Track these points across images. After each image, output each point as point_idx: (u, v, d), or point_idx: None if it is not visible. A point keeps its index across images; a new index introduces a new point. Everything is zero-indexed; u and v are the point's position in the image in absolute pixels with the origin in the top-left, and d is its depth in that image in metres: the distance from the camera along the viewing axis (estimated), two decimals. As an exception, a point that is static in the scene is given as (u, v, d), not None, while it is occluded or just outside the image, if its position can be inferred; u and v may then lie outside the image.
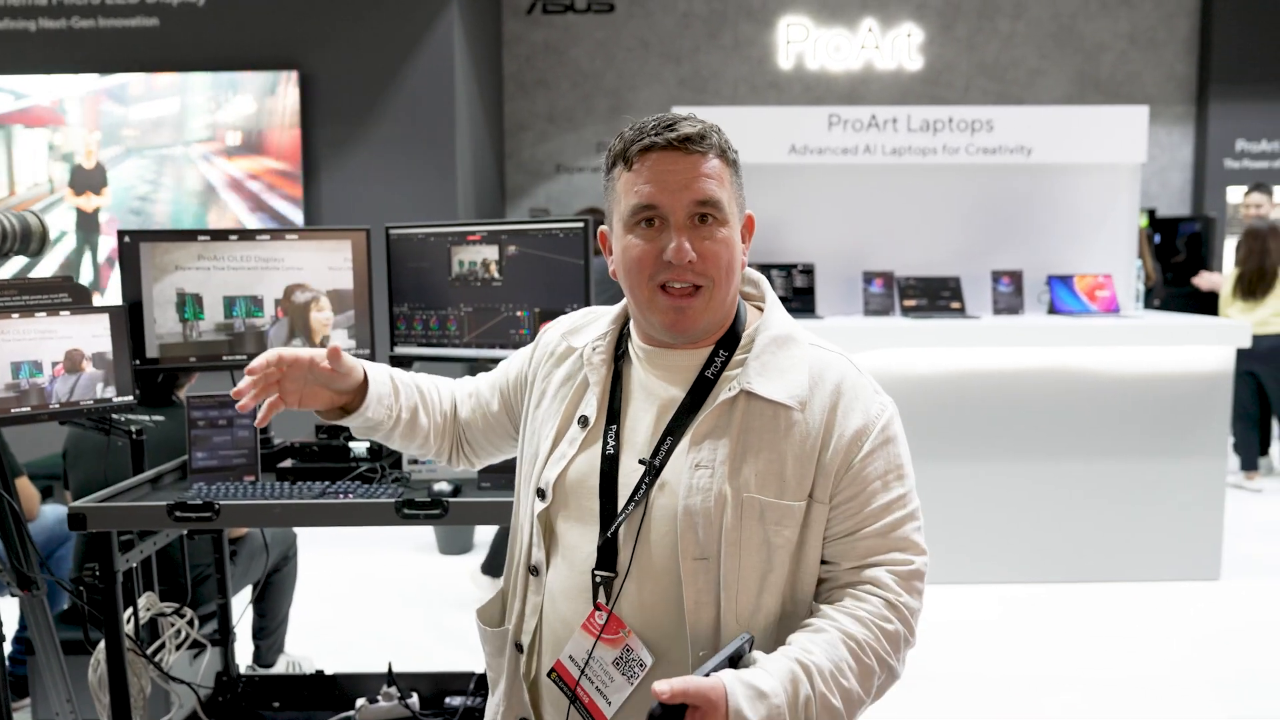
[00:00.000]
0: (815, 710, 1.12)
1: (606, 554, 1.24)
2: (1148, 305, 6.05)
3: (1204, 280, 6.30)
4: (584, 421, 1.31)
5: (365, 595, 4.22)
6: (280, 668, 3.35)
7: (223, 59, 6.20)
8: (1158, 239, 7.73)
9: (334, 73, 6.21)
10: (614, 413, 1.30)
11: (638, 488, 1.24)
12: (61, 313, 2.11)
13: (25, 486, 3.15)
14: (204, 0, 6.22)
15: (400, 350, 2.61)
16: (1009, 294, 4.77)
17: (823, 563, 1.26)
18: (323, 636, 3.70)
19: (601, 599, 1.24)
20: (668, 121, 1.23)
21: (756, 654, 1.16)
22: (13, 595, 2.57)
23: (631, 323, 1.35)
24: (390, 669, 2.65)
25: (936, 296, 4.74)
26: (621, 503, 1.24)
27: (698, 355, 1.28)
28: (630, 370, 1.33)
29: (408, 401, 1.45)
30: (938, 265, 4.83)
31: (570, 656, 1.26)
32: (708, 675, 1.08)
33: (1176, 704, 3.16)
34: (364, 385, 1.39)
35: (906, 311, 4.69)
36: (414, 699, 2.63)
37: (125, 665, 2.11)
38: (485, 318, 2.46)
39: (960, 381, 4.30)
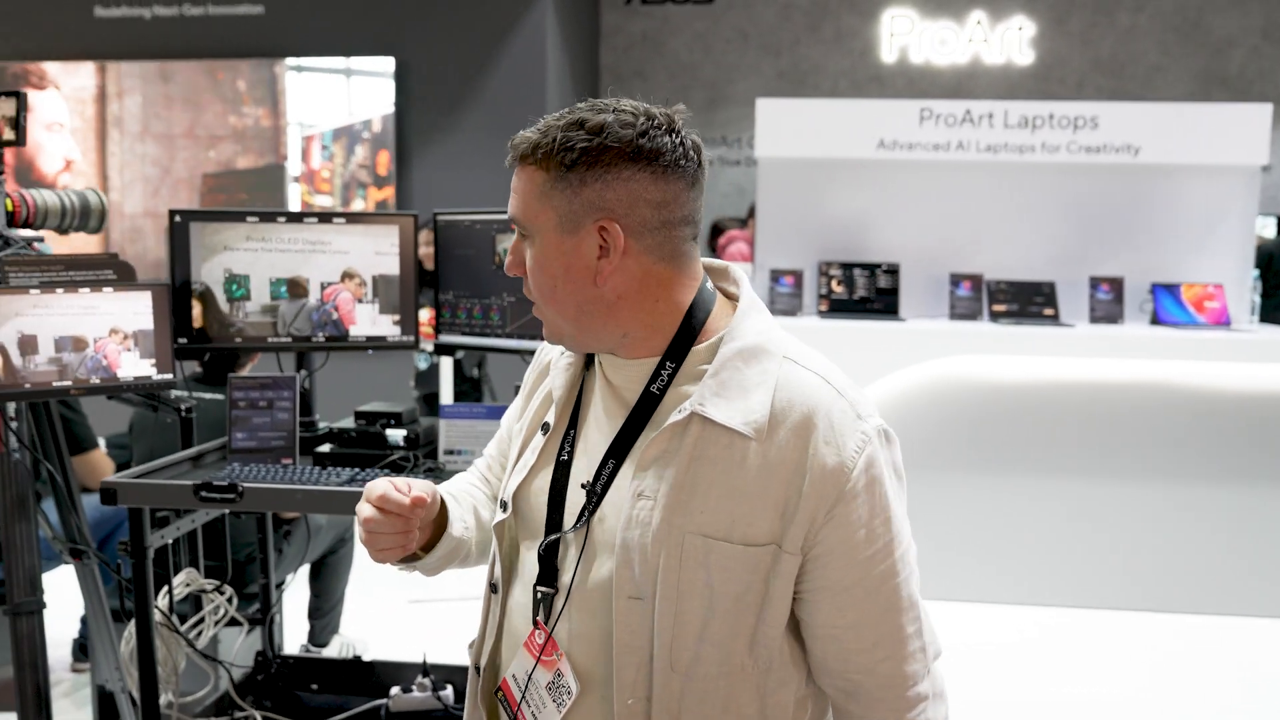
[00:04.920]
0: None
1: (546, 567, 1.15)
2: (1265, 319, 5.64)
3: None
4: (545, 428, 1.22)
5: (418, 582, 4.23)
6: (334, 649, 3.38)
7: (326, 45, 6.33)
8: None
9: (429, 60, 6.28)
10: (575, 419, 1.20)
11: (581, 511, 1.14)
12: (105, 289, 2.14)
13: (100, 458, 3.24)
14: (306, -12, 6.37)
15: (445, 338, 2.58)
16: (1108, 302, 4.50)
17: (804, 632, 1.12)
18: (374, 620, 3.72)
19: (541, 616, 1.15)
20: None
21: None
22: (65, 563, 2.65)
23: None
24: (425, 660, 2.63)
25: (1029, 302, 4.51)
26: (568, 518, 1.15)
27: (643, 367, 1.14)
28: (593, 376, 1.22)
29: (470, 507, 1.33)
30: (1031, 269, 4.60)
31: (513, 675, 1.19)
32: None
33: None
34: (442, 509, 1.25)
35: (995, 317, 4.47)
36: (447, 691, 2.61)
37: (153, 639, 2.12)
38: (527, 308, 2.39)
39: (1050, 393, 4.07)
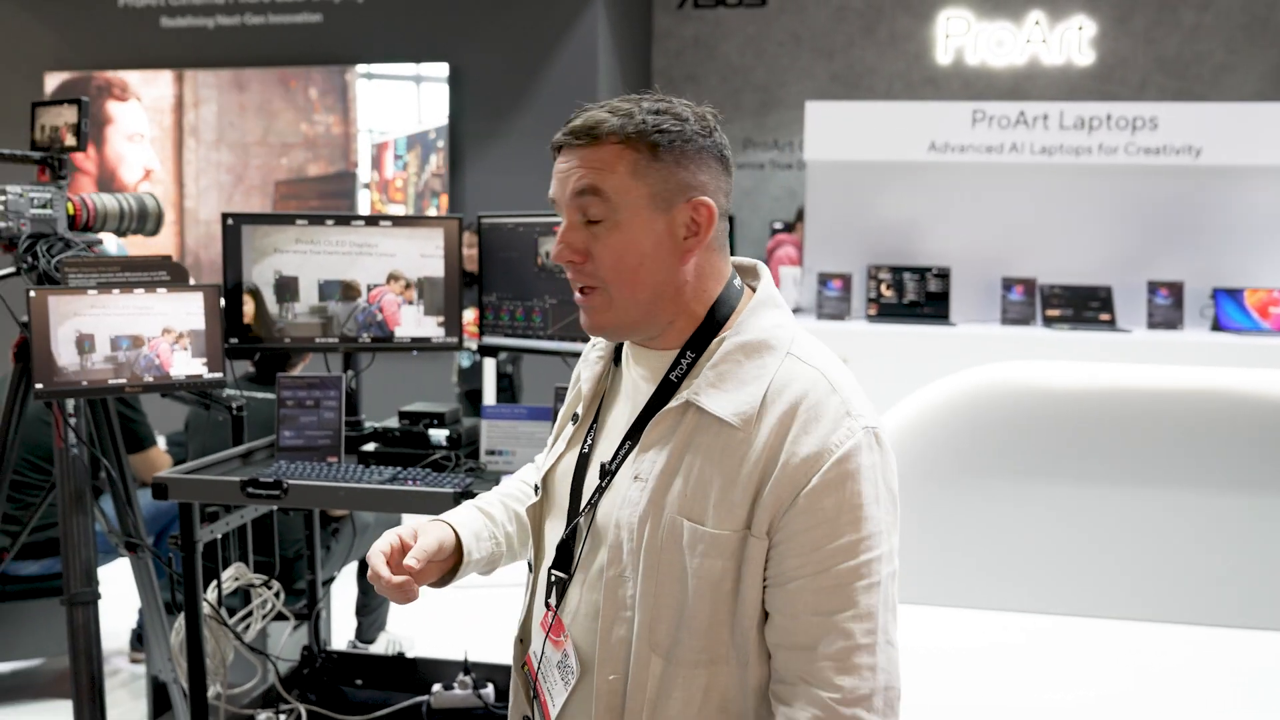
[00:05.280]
0: None
1: (563, 553, 1.20)
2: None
3: None
4: (575, 418, 1.29)
5: (467, 580, 4.27)
6: (380, 645, 3.44)
7: (381, 52, 6.44)
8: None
9: (481, 66, 6.36)
10: (600, 411, 1.25)
11: (593, 493, 1.18)
12: (159, 290, 2.20)
13: (157, 455, 3.33)
14: (363, -4, 6.49)
15: (488, 339, 2.60)
16: (1167, 307, 4.39)
17: (769, 633, 1.08)
18: (423, 617, 3.77)
19: (553, 598, 1.20)
20: (575, 115, 1.14)
21: None
22: (122, 556, 2.73)
23: None
24: (466, 658, 2.66)
25: (1084, 307, 4.42)
26: (584, 502, 1.20)
27: (667, 357, 1.17)
28: (619, 370, 1.26)
29: (508, 519, 1.38)
30: (1087, 273, 4.50)
31: (534, 652, 1.25)
32: None
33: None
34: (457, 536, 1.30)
35: (1049, 322, 4.39)
36: (489, 689, 2.63)
37: (201, 631, 2.18)
38: (568, 310, 2.42)
39: (1105, 401, 3.98)
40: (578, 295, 1.15)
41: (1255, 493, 3.90)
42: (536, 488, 1.29)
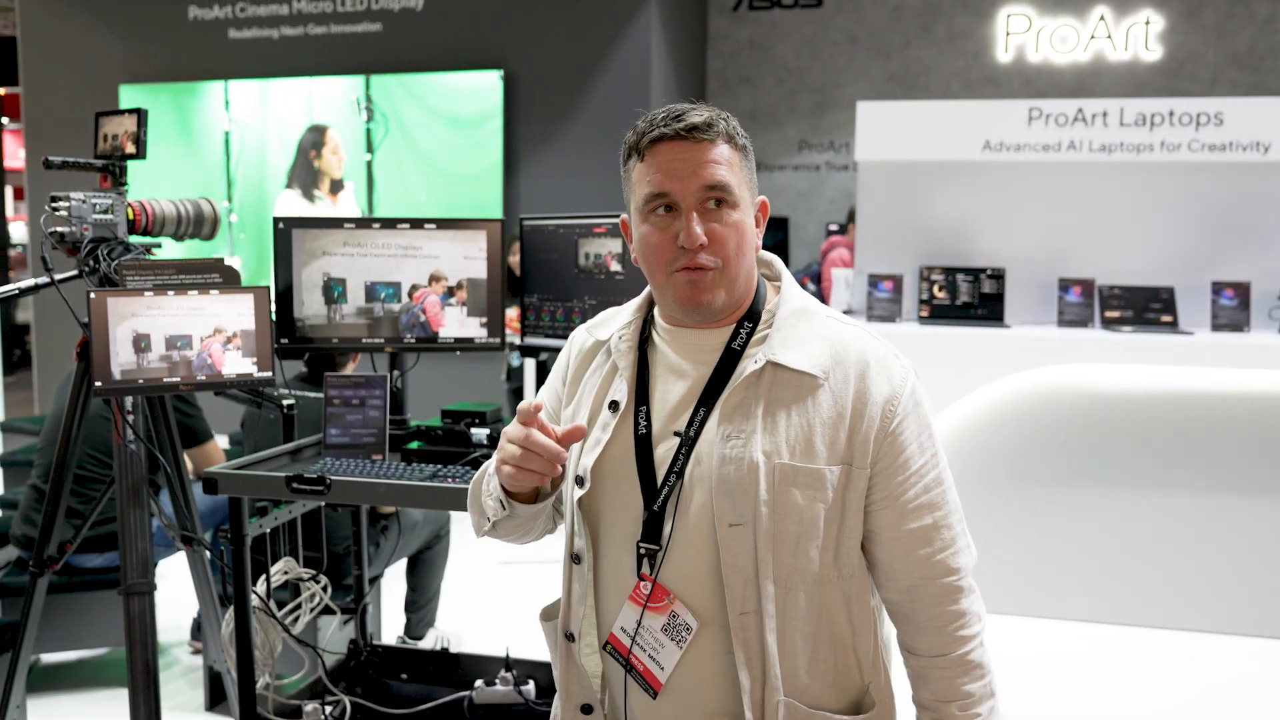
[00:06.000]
0: None
1: (651, 527, 1.28)
2: None
3: None
4: (614, 406, 1.34)
5: (511, 576, 4.32)
6: (429, 641, 3.49)
7: (438, 60, 6.55)
8: None
9: (536, 71, 6.42)
10: (643, 394, 1.33)
11: (674, 460, 1.28)
12: (211, 292, 2.28)
13: (213, 449, 3.43)
14: (422, 4, 6.60)
15: (530, 340, 2.64)
16: (1233, 308, 4.26)
17: (871, 544, 1.30)
18: (466, 616, 3.82)
19: (646, 570, 1.29)
20: (677, 112, 1.27)
21: None
22: (178, 549, 2.82)
23: (655, 308, 1.39)
24: (508, 654, 2.69)
25: (1145, 308, 4.31)
26: (660, 477, 1.29)
27: (721, 333, 1.32)
28: (655, 353, 1.36)
29: None
30: (1147, 274, 4.39)
31: (621, 628, 1.32)
32: None
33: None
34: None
35: (1108, 324, 4.29)
36: (529, 686, 2.66)
37: (250, 623, 2.24)
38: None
39: (1167, 405, 3.87)
40: (689, 273, 1.26)
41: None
42: (581, 479, 1.33)
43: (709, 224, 1.25)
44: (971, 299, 4.46)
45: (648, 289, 1.39)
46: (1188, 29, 7.23)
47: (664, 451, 1.29)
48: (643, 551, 1.29)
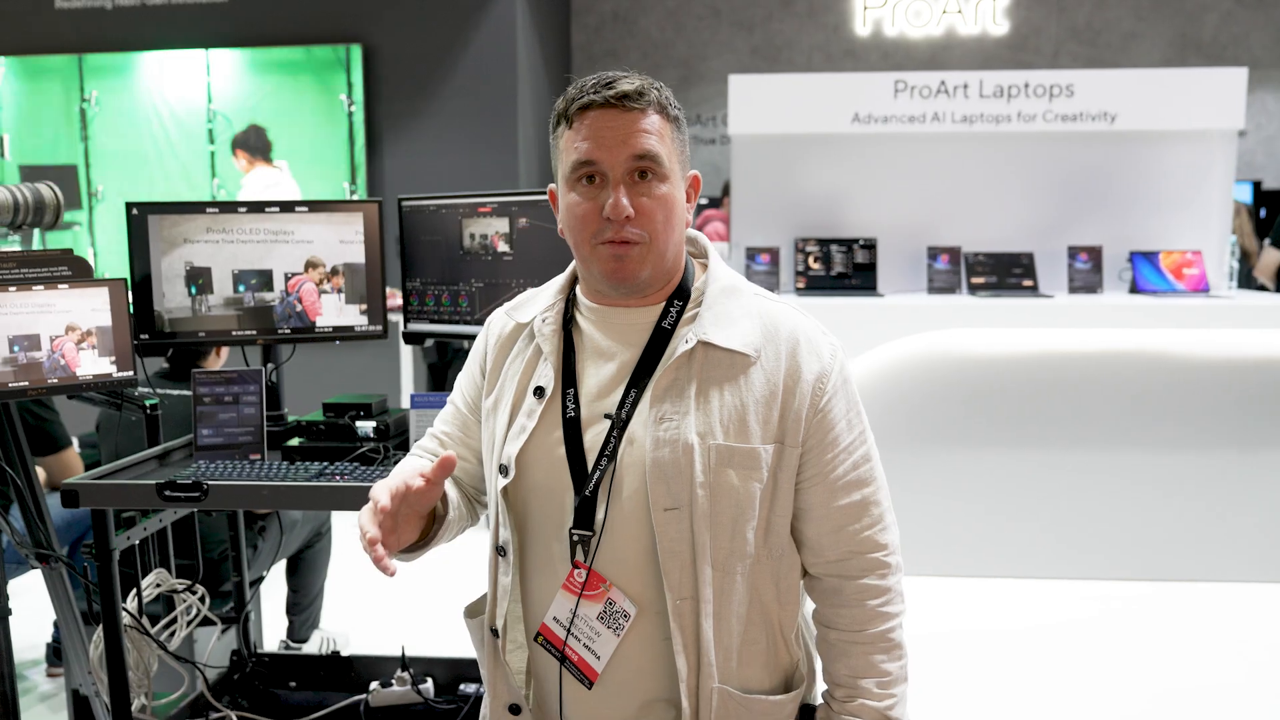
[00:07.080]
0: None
1: (584, 513, 1.24)
2: (1245, 285, 5.64)
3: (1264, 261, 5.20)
4: (539, 392, 1.29)
5: (399, 568, 4.18)
6: (314, 644, 3.34)
7: (289, 35, 6.22)
8: (1263, 213, 7.21)
9: (396, 46, 6.18)
10: (570, 377, 1.28)
11: (605, 444, 1.24)
12: (60, 286, 2.08)
13: (72, 458, 3.18)
14: (270, -25, 6.26)
15: (413, 327, 2.53)
16: (1087, 271, 4.48)
17: (800, 521, 1.29)
18: (353, 614, 3.68)
19: (580, 556, 1.25)
20: (607, 80, 1.22)
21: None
22: (33, 567, 2.59)
23: (579, 286, 1.34)
24: (404, 653, 2.59)
25: (1007, 274, 4.48)
26: (590, 462, 1.25)
27: (650, 311, 1.29)
28: (581, 335, 1.32)
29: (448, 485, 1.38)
30: (1009, 241, 4.57)
31: (554, 618, 1.28)
32: None
33: (1248, 716, 2.91)
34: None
35: (974, 290, 4.45)
36: (428, 684, 2.57)
37: (121, 642, 2.08)
38: (495, 293, 2.35)
39: (1031, 365, 4.05)
40: (614, 247, 1.21)
41: (1173, 449, 4.01)
42: (505, 469, 1.28)
43: (637, 196, 1.20)
44: (846, 269, 4.54)
45: (570, 268, 1.35)
46: (1031, 4, 7.55)
47: (594, 435, 1.25)
48: (576, 538, 1.25)
